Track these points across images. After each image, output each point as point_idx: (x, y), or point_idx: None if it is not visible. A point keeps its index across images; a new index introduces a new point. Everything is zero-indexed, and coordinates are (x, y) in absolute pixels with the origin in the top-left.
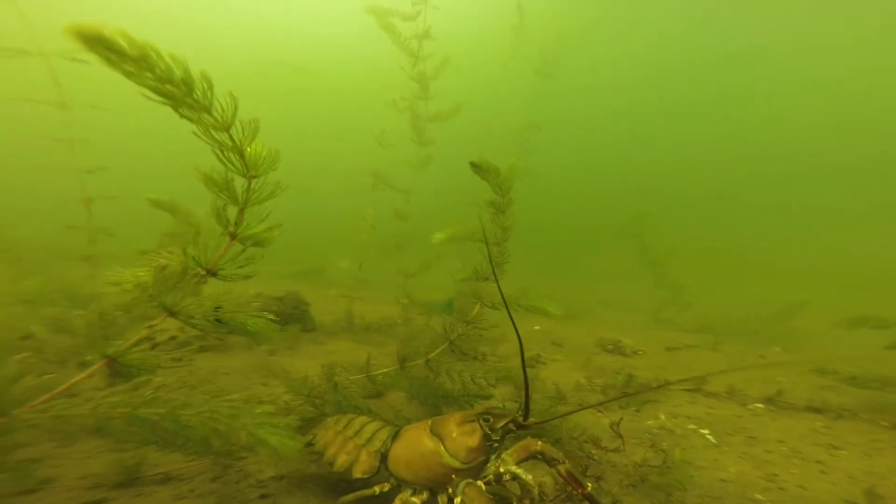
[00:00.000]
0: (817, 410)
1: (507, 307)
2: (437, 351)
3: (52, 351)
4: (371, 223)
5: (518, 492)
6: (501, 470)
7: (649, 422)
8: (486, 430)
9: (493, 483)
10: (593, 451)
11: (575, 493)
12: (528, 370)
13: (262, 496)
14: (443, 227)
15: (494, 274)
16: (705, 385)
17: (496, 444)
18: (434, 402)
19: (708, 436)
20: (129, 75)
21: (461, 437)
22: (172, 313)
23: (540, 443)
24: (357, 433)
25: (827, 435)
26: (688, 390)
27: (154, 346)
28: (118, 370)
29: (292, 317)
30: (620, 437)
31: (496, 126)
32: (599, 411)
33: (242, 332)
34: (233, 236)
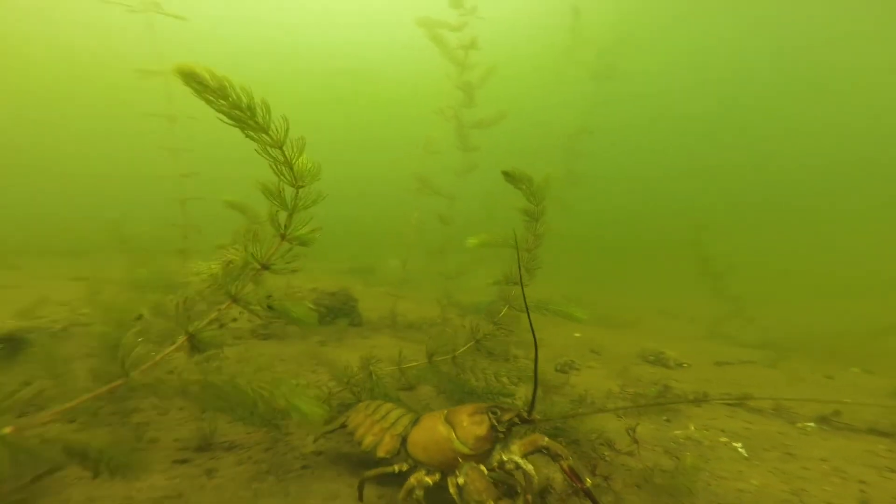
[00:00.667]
0: (883, 433)
1: (527, 310)
2: (463, 349)
3: (154, 330)
4: (417, 226)
5: (524, 482)
6: (505, 458)
7: (676, 431)
8: (494, 421)
9: (497, 470)
10: (606, 453)
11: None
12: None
13: (304, 467)
14: (476, 234)
15: (521, 279)
16: (750, 401)
17: (502, 435)
18: (459, 398)
19: (739, 449)
20: (209, 102)
21: (471, 426)
22: (235, 300)
23: (546, 438)
24: (383, 417)
25: (887, 458)
26: (729, 405)
27: (221, 327)
28: (195, 345)
29: (342, 311)
30: (636, 441)
31: (548, 132)
32: (619, 416)
33: (288, 318)
34: (282, 237)
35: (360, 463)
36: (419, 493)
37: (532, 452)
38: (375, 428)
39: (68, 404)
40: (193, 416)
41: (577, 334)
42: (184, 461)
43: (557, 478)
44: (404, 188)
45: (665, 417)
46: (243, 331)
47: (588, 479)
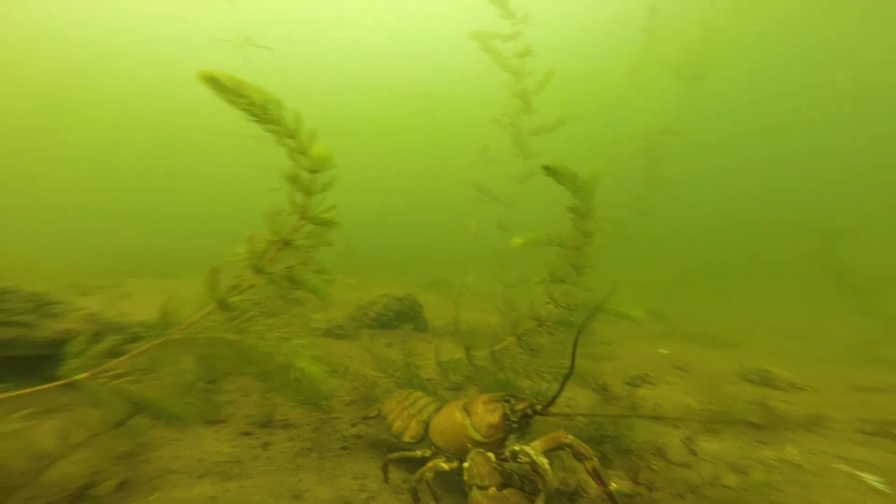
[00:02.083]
0: None
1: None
2: (502, 345)
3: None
4: (475, 234)
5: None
6: (517, 449)
7: (767, 452)
8: (507, 410)
9: (509, 459)
10: (655, 462)
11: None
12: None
13: (343, 447)
14: (523, 234)
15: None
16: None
17: (515, 425)
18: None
19: (869, 479)
20: (230, 102)
21: (485, 414)
22: (259, 271)
23: (571, 436)
24: (412, 405)
25: None
26: (864, 433)
27: (241, 293)
28: (225, 308)
29: (408, 316)
30: (693, 452)
31: (622, 134)
32: (677, 426)
33: (306, 287)
34: (302, 217)
35: (393, 447)
36: (429, 475)
37: (554, 449)
38: (404, 414)
39: (124, 358)
40: (266, 398)
41: (662, 350)
42: (248, 434)
43: (591, 482)
44: (474, 199)
45: (758, 438)
46: (321, 331)
47: (613, 484)
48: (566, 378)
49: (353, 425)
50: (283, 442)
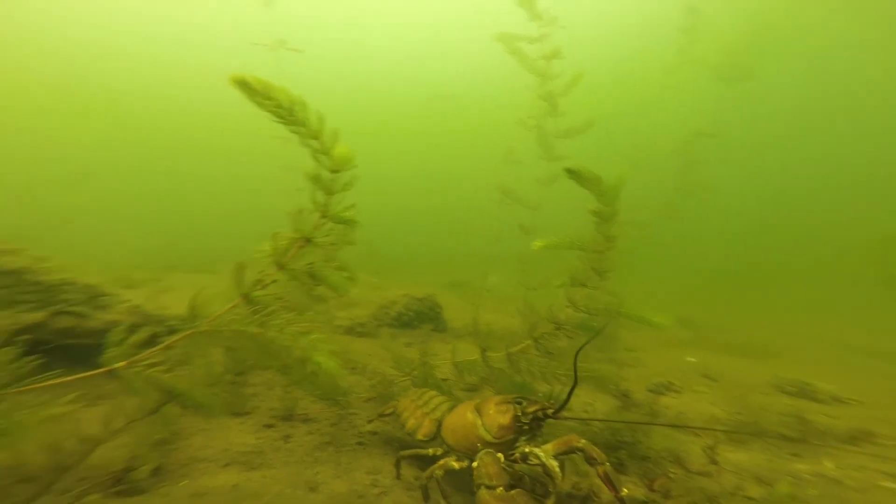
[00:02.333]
0: None
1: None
2: (519, 347)
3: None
4: (497, 236)
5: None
6: (528, 451)
7: (799, 466)
8: (518, 412)
9: (520, 461)
10: (673, 471)
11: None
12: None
13: (359, 443)
14: (544, 237)
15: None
16: None
17: (526, 427)
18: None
19: None
20: (258, 104)
21: (496, 414)
22: (281, 266)
23: (583, 441)
24: (426, 403)
25: None
26: None
27: (264, 287)
28: (249, 301)
29: (427, 316)
30: (715, 462)
31: (655, 137)
32: (698, 434)
33: (326, 283)
34: (323, 216)
35: (406, 445)
36: (439, 472)
37: (566, 453)
38: (418, 413)
39: (157, 348)
40: (288, 392)
41: (690, 358)
42: (270, 426)
43: (604, 488)
44: (497, 201)
45: (791, 451)
46: (344, 328)
47: (625, 490)
48: (572, 388)
49: (370, 422)
50: (302, 435)
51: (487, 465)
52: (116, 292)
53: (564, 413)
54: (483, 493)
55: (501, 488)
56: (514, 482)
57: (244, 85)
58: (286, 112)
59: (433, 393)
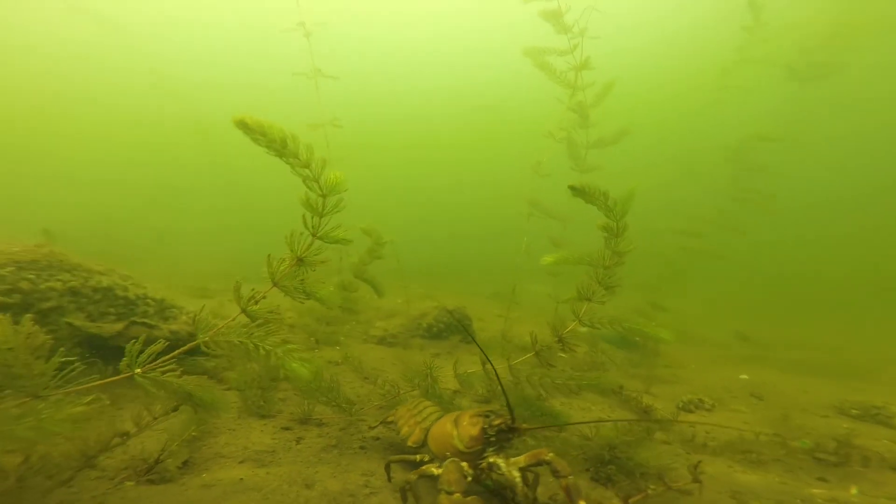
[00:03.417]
0: None
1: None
2: (522, 359)
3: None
4: (525, 249)
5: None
6: (492, 461)
7: (816, 490)
8: (485, 425)
9: (486, 470)
10: (652, 486)
11: None
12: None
13: (361, 447)
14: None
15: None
16: None
17: (493, 438)
18: (520, 413)
19: None
20: (254, 140)
21: (468, 426)
22: (275, 284)
23: (551, 454)
24: (419, 412)
25: None
26: None
27: (256, 302)
28: (248, 315)
29: (456, 328)
30: (698, 481)
31: (708, 142)
32: (688, 453)
33: (315, 298)
34: (314, 236)
35: (402, 451)
36: (413, 477)
37: (535, 465)
38: (411, 421)
39: (169, 356)
40: (307, 399)
41: (743, 376)
42: (287, 429)
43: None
44: (527, 214)
45: (819, 475)
46: (376, 338)
47: (582, 502)
48: (507, 401)
49: (371, 428)
50: (313, 438)
51: (450, 472)
52: (183, 304)
53: (523, 426)
54: (442, 498)
55: (459, 494)
56: (472, 489)
57: (242, 125)
58: (280, 146)
59: (427, 403)
